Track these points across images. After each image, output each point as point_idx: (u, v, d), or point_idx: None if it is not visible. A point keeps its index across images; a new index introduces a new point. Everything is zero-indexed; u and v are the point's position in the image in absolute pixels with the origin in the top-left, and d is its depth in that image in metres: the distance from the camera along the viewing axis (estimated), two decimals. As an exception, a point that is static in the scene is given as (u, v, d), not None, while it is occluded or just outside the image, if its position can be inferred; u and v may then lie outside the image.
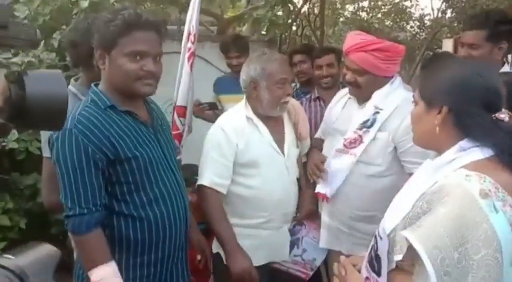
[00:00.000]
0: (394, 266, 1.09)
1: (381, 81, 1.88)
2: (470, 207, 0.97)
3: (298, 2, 5.02)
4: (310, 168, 2.03)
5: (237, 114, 1.97)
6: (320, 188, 1.99)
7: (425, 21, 11.84)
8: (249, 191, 1.93)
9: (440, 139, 1.12)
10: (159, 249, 1.54)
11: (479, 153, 1.06)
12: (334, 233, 1.99)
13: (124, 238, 1.50)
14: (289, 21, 4.78)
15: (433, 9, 11.72)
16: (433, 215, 1.00)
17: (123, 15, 1.41)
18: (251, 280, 1.82)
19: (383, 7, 13.00)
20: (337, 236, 1.99)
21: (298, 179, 2.09)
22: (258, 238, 1.96)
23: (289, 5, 4.01)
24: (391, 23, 12.15)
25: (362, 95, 1.94)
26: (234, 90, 2.89)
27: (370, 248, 1.21)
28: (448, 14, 10.13)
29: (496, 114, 1.07)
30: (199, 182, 1.93)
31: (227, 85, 3.03)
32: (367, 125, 1.87)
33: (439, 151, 1.15)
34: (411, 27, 12.06)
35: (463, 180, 1.01)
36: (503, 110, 1.07)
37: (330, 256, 2.08)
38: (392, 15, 12.07)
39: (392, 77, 1.91)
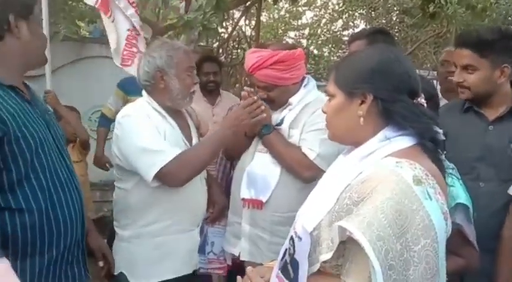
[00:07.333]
0: (316, 268, 0.97)
1: (292, 88, 1.84)
2: (407, 194, 0.89)
3: (234, 13, 4.95)
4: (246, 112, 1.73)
5: (143, 107, 1.77)
6: (250, 194, 1.82)
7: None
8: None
9: (364, 130, 1.03)
10: (53, 247, 1.34)
11: (404, 141, 1.00)
12: (255, 241, 1.85)
13: (10, 237, 1.26)
14: (225, 32, 4.67)
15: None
16: (371, 203, 0.89)
17: None
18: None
19: (322, 36, 13.52)
20: (258, 245, 1.85)
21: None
22: (164, 246, 1.74)
23: (224, 13, 3.91)
24: (329, 50, 12.66)
25: (278, 105, 1.89)
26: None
27: (282, 253, 1.07)
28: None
29: (418, 99, 1.02)
30: (149, 175, 1.60)
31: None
32: (278, 122, 1.84)
33: (358, 144, 1.05)
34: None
35: (394, 166, 0.93)
36: (422, 95, 1.04)
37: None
38: (330, 45, 12.55)
39: (303, 81, 1.88)
